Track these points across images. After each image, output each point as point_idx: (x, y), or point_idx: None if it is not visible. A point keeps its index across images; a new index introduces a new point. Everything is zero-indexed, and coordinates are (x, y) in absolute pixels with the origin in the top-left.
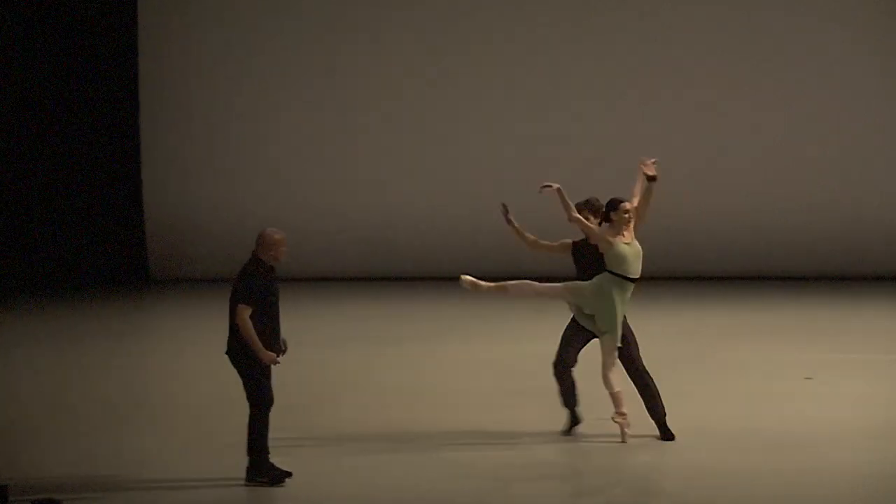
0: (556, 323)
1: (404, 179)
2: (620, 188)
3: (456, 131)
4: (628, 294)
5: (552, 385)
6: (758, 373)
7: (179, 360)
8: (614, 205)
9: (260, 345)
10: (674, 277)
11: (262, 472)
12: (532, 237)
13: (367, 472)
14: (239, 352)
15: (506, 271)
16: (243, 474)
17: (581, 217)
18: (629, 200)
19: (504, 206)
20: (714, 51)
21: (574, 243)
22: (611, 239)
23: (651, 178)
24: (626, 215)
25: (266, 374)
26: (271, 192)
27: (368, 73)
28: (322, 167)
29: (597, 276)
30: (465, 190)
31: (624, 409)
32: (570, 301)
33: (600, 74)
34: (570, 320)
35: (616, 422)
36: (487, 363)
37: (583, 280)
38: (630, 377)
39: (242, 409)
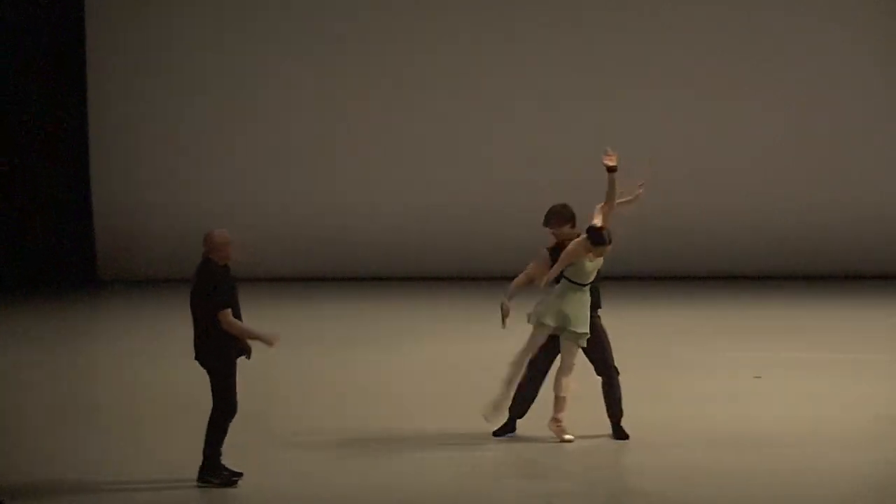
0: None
1: (357, 179)
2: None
3: (410, 131)
4: (586, 296)
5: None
6: (710, 372)
7: (128, 361)
8: (601, 239)
9: (257, 331)
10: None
11: (215, 472)
12: (524, 280)
13: (321, 473)
14: (210, 355)
15: (470, 270)
16: (194, 475)
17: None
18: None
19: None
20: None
21: (550, 250)
22: (584, 256)
23: (610, 170)
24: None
25: (233, 377)
26: (220, 192)
27: (323, 73)
28: (271, 167)
29: (557, 286)
30: (421, 190)
31: (560, 417)
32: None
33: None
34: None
35: (551, 429)
36: (446, 364)
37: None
38: (597, 373)
39: (192, 410)
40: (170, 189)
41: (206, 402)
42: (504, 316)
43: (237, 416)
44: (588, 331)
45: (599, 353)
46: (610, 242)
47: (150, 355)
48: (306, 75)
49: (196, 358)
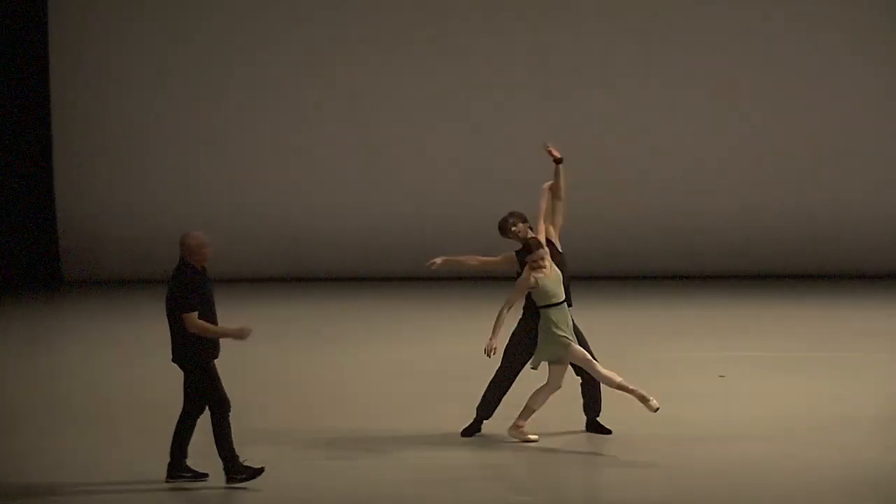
0: (478, 323)
1: (317, 178)
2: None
3: (375, 131)
4: (564, 311)
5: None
6: (674, 371)
7: (92, 362)
8: (530, 249)
9: (224, 329)
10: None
11: (238, 469)
12: (474, 260)
13: (283, 473)
14: (187, 356)
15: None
16: (154, 476)
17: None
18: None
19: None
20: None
21: (517, 252)
22: (534, 280)
23: (557, 161)
24: (541, 260)
25: (216, 375)
26: (184, 192)
27: (290, 73)
28: (235, 167)
29: (540, 322)
30: (379, 189)
31: (522, 424)
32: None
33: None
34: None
35: (511, 434)
36: (408, 364)
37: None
38: (577, 373)
39: (159, 410)
40: (133, 190)
41: (173, 402)
42: (488, 352)
43: (203, 416)
44: (572, 335)
45: None
46: (539, 247)
47: (115, 356)
48: (273, 75)
49: (173, 360)
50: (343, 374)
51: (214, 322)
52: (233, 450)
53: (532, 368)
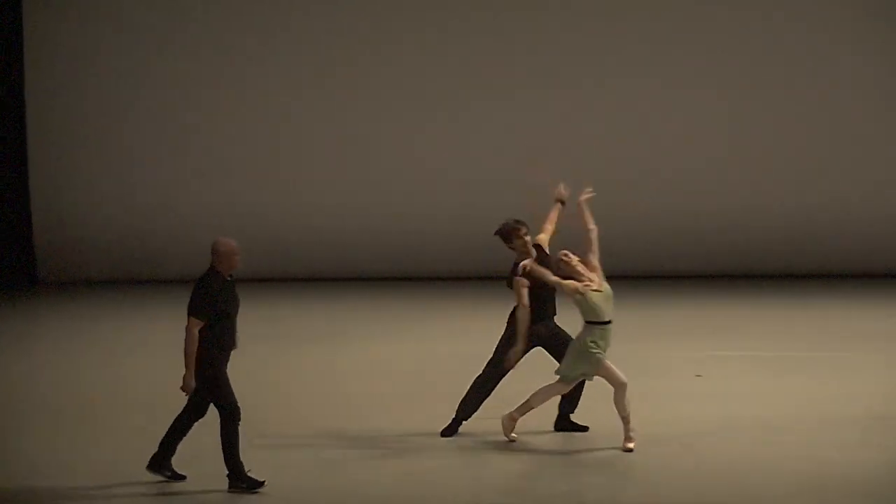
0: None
1: (296, 178)
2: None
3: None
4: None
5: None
6: (651, 371)
7: (68, 364)
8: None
9: (193, 364)
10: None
11: (241, 478)
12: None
13: (267, 473)
14: (201, 364)
15: (402, 270)
16: (139, 476)
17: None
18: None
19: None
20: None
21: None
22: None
23: (560, 201)
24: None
25: (226, 382)
26: (159, 193)
27: (263, 73)
28: (212, 168)
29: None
30: (352, 190)
31: (517, 417)
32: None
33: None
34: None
35: (503, 423)
36: (392, 364)
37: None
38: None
39: (136, 410)
40: (109, 190)
41: (156, 402)
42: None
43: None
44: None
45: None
46: (522, 273)
47: (91, 356)
48: (248, 74)
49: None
50: (327, 373)
51: (232, 337)
52: (238, 458)
53: (556, 374)
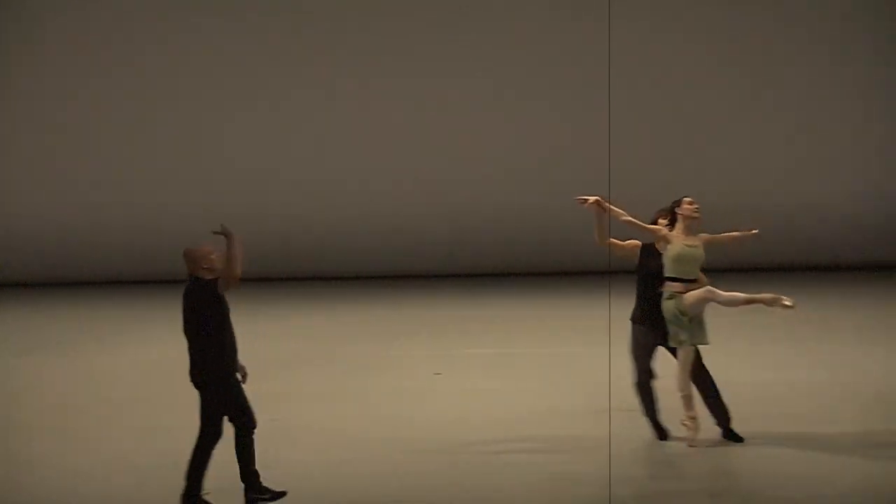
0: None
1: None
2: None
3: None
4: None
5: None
6: (390, 370)
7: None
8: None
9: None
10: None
11: (258, 489)
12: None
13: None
14: (202, 376)
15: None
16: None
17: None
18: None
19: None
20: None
21: (643, 246)
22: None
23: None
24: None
25: (239, 391)
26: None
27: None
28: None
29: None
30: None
31: (692, 414)
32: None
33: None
34: (631, 337)
35: (685, 425)
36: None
37: (641, 287)
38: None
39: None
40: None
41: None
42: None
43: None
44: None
45: None
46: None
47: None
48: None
49: (191, 379)
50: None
51: (232, 341)
52: (199, 481)
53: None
